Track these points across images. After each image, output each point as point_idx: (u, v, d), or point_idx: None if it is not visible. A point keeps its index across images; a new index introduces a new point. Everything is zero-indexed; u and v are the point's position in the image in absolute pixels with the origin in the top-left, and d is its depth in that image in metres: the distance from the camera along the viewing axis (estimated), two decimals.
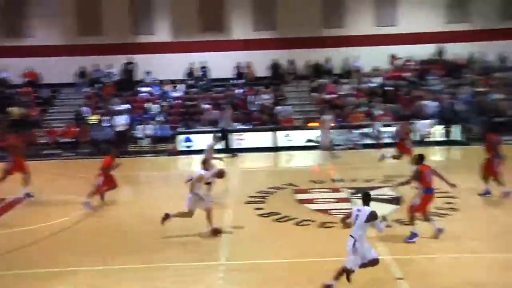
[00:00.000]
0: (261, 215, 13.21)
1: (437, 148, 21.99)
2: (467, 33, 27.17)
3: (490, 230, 11.37)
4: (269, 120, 24.31)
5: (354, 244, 8.47)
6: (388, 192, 14.76)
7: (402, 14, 27.68)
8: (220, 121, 22.58)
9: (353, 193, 14.79)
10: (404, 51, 27.07)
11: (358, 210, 8.80)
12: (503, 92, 24.51)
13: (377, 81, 26.07)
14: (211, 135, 16.80)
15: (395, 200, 13.96)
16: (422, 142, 22.02)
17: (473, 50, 27.00)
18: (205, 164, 12.05)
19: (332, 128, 21.28)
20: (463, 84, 25.36)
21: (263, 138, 23.00)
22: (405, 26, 27.33)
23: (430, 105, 23.89)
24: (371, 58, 26.74)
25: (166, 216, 11.59)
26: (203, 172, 11.79)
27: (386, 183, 15.72)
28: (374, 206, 13.38)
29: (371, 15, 27.84)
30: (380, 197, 14.42)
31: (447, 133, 22.84)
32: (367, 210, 8.74)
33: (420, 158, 11.54)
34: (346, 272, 8.52)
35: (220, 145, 18.85)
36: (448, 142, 22.38)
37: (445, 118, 23.20)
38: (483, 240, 10.96)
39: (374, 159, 20.17)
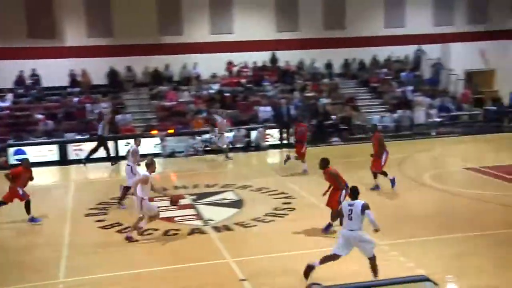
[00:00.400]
0: (103, 227, 12.85)
1: (273, 151, 23.05)
2: (296, 41, 28.93)
3: (319, 228, 12.00)
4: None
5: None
6: (229, 196, 15.26)
7: (237, 23, 28.57)
8: (98, 129, 21.40)
9: (194, 199, 15.01)
10: (240, 58, 28.07)
11: (350, 205, 8.80)
12: (330, 97, 26.54)
13: (215, 87, 26.68)
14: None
15: (237, 204, 14.49)
16: (258, 147, 23.01)
17: (303, 58, 28.88)
18: (150, 166, 11.79)
19: (229, 129, 22.16)
20: (294, 89, 26.99)
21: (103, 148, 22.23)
22: (240, 34, 28.28)
23: (266, 110, 25.07)
24: (209, 65, 27.29)
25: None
26: (147, 173, 11.63)
27: (226, 188, 16.20)
28: (215, 210, 13.98)
29: (208, 23, 28.38)
30: (221, 201, 14.88)
31: (282, 137, 23.97)
32: (359, 202, 8.78)
33: (326, 162, 11.77)
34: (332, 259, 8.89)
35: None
36: (282, 145, 23.44)
37: (280, 122, 24.41)
38: (314, 236, 11.62)
39: (216, 164, 20.68)
